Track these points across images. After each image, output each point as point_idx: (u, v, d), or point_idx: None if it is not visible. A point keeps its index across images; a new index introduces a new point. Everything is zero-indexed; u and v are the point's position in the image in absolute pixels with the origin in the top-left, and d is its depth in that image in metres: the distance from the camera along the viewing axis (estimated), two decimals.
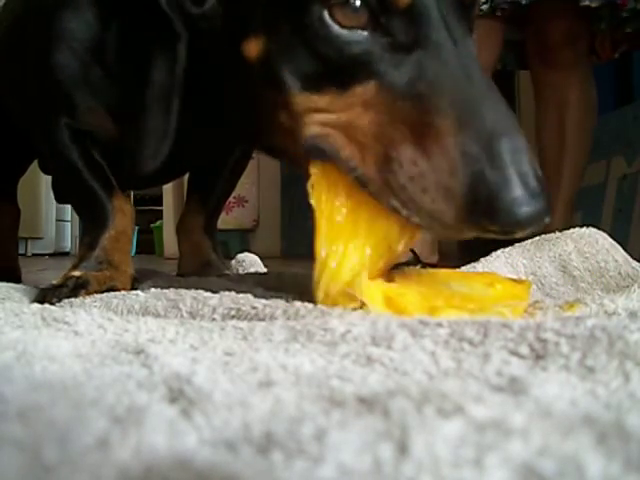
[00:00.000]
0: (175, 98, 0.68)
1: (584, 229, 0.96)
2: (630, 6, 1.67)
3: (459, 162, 0.53)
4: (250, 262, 1.32)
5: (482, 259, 0.93)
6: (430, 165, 0.54)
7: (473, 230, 0.54)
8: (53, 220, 4.74)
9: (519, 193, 0.52)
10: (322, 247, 0.59)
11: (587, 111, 1.91)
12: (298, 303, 0.59)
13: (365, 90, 0.58)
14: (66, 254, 4.84)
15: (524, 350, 0.40)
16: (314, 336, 0.46)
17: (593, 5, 1.65)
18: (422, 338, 0.43)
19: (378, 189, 0.57)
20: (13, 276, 1.19)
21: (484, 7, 1.72)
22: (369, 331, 0.45)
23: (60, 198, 1.22)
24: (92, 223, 0.88)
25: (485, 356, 0.40)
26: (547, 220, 0.54)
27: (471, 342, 0.42)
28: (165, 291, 0.72)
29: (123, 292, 0.73)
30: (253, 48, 0.62)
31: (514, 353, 0.40)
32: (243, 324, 0.51)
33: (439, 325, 0.45)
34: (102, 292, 0.75)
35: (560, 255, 0.92)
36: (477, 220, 0.53)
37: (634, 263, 0.91)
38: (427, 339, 0.43)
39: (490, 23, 1.81)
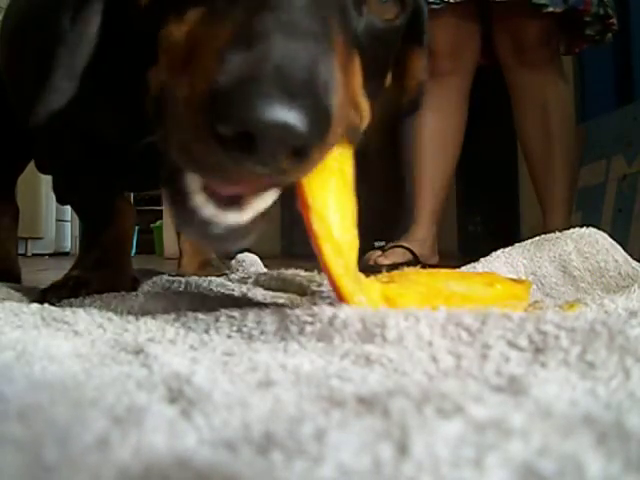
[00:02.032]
0: (84, 54, 0.61)
1: (584, 229, 0.96)
2: (593, 11, 1.78)
3: (217, 70, 0.43)
4: (250, 262, 1.32)
5: (482, 259, 0.93)
6: (192, 81, 0.45)
7: (212, 141, 0.43)
8: (53, 220, 4.74)
9: (264, 94, 0.40)
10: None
11: (568, 108, 1.94)
12: (297, 302, 0.59)
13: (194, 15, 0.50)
14: (66, 254, 4.84)
15: (523, 342, 0.40)
16: (305, 325, 0.46)
17: (557, 11, 1.73)
18: (417, 322, 0.44)
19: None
20: (13, 276, 1.18)
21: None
22: (358, 315, 0.45)
23: (62, 199, 1.22)
24: (92, 223, 0.88)
25: (484, 348, 0.40)
26: (304, 132, 0.41)
27: (469, 330, 0.42)
28: (165, 291, 0.72)
29: (123, 292, 0.73)
30: None
31: (513, 345, 0.40)
32: (236, 312, 0.51)
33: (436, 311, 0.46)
34: (102, 292, 0.75)
35: (560, 255, 0.92)
36: (210, 121, 0.42)
37: (634, 263, 0.91)
38: (422, 322, 0.44)
39: (468, 25, 1.85)
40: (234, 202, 0.49)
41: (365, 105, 0.56)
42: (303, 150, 0.42)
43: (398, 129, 0.75)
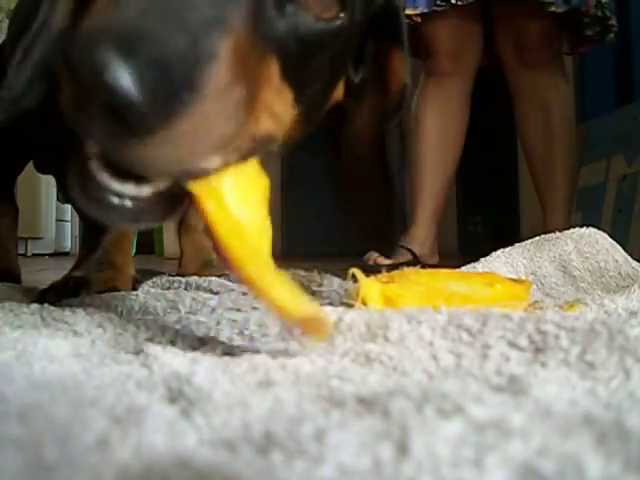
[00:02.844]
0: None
1: (584, 229, 0.96)
2: (592, 12, 1.79)
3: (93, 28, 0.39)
4: None
5: (482, 259, 0.93)
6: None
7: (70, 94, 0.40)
8: (53, 220, 4.73)
9: (106, 49, 0.36)
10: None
11: (569, 109, 1.95)
12: None
13: None
14: (66, 254, 4.84)
15: (523, 342, 0.40)
16: None
17: (559, 11, 1.74)
18: (419, 324, 0.44)
19: None
20: (13, 276, 1.18)
21: None
22: (363, 318, 0.45)
23: (66, 199, 1.22)
24: (93, 224, 0.88)
25: (484, 348, 0.40)
26: (133, 100, 0.37)
27: (469, 331, 0.42)
28: (165, 292, 0.72)
29: (123, 292, 0.73)
30: None
31: (513, 345, 0.40)
32: (239, 316, 0.51)
33: (437, 312, 0.45)
34: (102, 292, 0.75)
35: (560, 255, 0.92)
36: (67, 71, 0.39)
37: (634, 263, 0.91)
38: (424, 324, 0.43)
39: (470, 26, 1.85)
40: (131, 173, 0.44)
41: (285, 114, 0.51)
42: (138, 122, 0.38)
43: (384, 136, 0.70)
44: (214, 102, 0.41)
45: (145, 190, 0.44)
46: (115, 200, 0.44)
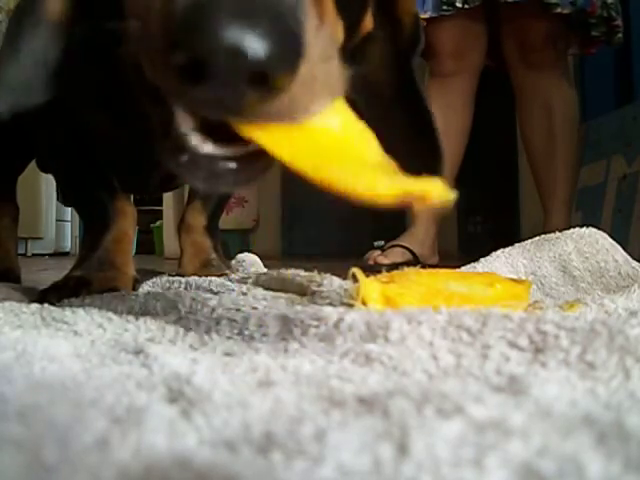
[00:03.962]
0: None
1: (584, 229, 0.96)
2: (598, 13, 1.80)
3: None
4: (250, 262, 1.32)
5: (482, 259, 0.93)
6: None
7: (169, 70, 0.39)
8: (53, 220, 4.74)
9: (216, 16, 0.37)
10: None
11: (572, 110, 1.96)
12: (297, 302, 0.59)
13: None
14: (66, 254, 4.84)
15: (523, 342, 0.40)
16: (309, 328, 0.46)
17: (565, 12, 1.76)
18: (419, 325, 0.43)
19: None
20: (13, 276, 1.19)
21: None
22: (363, 318, 0.45)
23: (67, 201, 1.22)
24: (94, 224, 0.88)
25: (484, 348, 0.40)
26: (262, 56, 0.37)
27: (469, 331, 0.42)
28: (165, 292, 0.72)
29: (123, 292, 0.73)
30: None
31: (513, 345, 0.40)
32: (238, 316, 0.51)
33: (437, 312, 0.45)
34: (103, 292, 0.75)
35: (560, 255, 0.92)
36: (166, 48, 0.39)
37: (634, 263, 0.91)
38: (424, 325, 0.43)
39: (474, 27, 1.86)
40: (226, 135, 0.44)
41: (340, 28, 0.50)
42: (266, 78, 0.38)
43: (408, 67, 0.67)
44: (316, 44, 0.41)
45: (240, 150, 0.44)
46: (225, 165, 0.43)
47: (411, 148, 0.72)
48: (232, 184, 0.46)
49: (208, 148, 0.43)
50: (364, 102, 0.71)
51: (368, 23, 0.62)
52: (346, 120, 0.47)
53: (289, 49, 0.38)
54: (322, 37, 0.43)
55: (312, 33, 0.41)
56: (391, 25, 0.67)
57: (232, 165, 0.44)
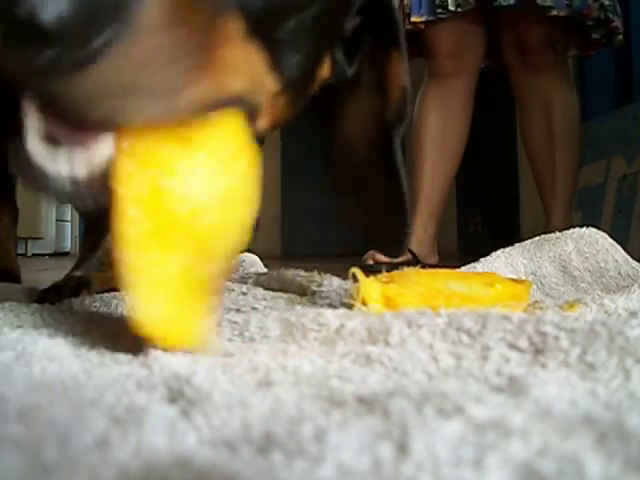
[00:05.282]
0: None
1: (584, 229, 0.96)
2: (595, 15, 1.81)
3: None
4: (250, 262, 1.32)
5: (482, 259, 0.93)
6: None
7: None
8: (53, 220, 4.74)
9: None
10: None
11: (571, 112, 1.96)
12: (297, 302, 0.59)
13: None
14: (66, 254, 4.84)
15: (523, 343, 0.40)
16: (309, 332, 0.46)
17: (561, 14, 1.76)
18: (419, 328, 0.43)
19: None
20: (13, 276, 1.18)
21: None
22: (364, 323, 0.45)
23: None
24: (94, 224, 0.88)
25: (484, 350, 0.40)
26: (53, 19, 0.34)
27: (469, 333, 0.42)
28: None
29: (123, 292, 0.73)
30: None
31: (513, 346, 0.40)
32: (239, 317, 0.51)
33: (437, 315, 0.45)
34: (103, 292, 0.75)
35: (560, 255, 0.92)
36: None
37: (634, 263, 0.91)
38: (424, 328, 0.43)
39: (472, 28, 1.87)
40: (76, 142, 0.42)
41: (259, 77, 0.48)
42: (62, 53, 0.35)
43: (390, 142, 0.66)
44: (146, 39, 0.38)
45: (85, 165, 0.42)
46: (55, 175, 0.42)
47: (375, 221, 0.72)
48: (66, 195, 0.44)
49: (52, 165, 0.42)
50: (338, 157, 0.71)
51: (324, 73, 0.59)
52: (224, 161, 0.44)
53: (90, 27, 0.35)
54: (168, 39, 0.39)
55: (146, 28, 0.37)
56: (378, 93, 0.66)
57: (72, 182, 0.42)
